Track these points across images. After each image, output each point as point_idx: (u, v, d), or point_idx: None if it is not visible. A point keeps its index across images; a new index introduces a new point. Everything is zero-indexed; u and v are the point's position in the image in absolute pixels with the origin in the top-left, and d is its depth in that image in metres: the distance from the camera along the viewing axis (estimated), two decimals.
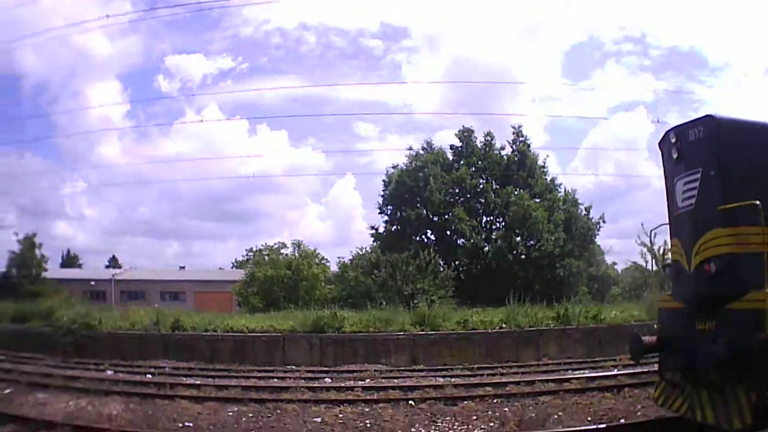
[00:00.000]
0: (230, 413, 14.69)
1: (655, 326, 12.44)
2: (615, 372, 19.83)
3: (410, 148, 49.18)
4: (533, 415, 13.66)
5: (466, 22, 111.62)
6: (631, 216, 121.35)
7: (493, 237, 46.35)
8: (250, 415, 14.47)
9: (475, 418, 13.72)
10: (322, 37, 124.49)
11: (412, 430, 12.81)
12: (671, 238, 11.97)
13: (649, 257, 45.14)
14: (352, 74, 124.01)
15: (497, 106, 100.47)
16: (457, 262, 43.25)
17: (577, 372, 20.59)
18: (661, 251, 43.90)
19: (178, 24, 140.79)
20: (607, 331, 27.29)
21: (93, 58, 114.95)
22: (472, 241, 44.42)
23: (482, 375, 20.62)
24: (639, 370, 19.60)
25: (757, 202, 9.58)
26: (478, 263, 45.76)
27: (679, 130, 11.13)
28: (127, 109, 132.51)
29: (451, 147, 49.56)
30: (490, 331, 26.39)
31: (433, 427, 13.02)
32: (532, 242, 45.95)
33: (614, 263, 54.15)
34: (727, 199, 10.08)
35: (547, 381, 18.30)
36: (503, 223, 46.78)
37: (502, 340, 25.90)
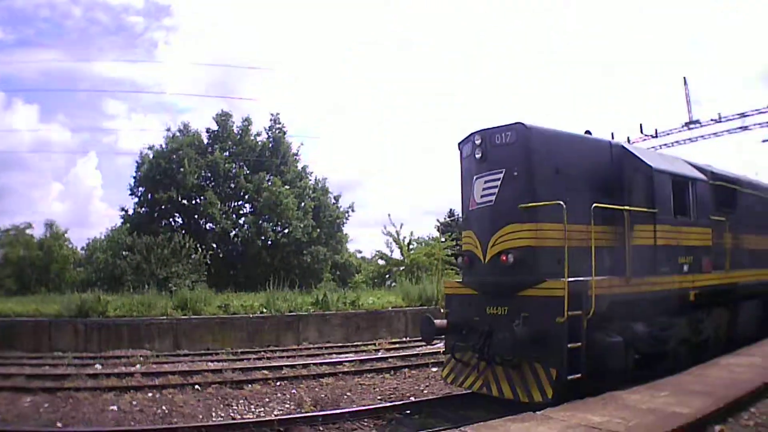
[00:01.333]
0: (26, 404, 14.18)
1: (442, 310, 13.46)
2: (385, 354, 20.97)
3: (168, 129, 48.17)
4: (324, 395, 14.30)
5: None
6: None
7: (242, 222, 46.38)
8: (47, 405, 13.96)
9: (268, 400, 14.14)
10: (88, 11, 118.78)
11: (212, 414, 12.98)
12: (465, 230, 13.05)
13: (394, 246, 47.15)
14: (110, 50, 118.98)
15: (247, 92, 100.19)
16: (204, 246, 42.85)
17: (342, 356, 21.37)
18: (406, 240, 46.07)
19: None
20: (365, 317, 28.39)
21: None
22: (221, 225, 44.20)
23: (249, 359, 20.93)
24: (404, 353, 20.91)
25: (562, 203, 10.85)
26: (226, 247, 45.65)
27: (486, 133, 12.19)
28: None
29: (208, 130, 49.09)
30: (251, 315, 26.55)
31: (231, 411, 13.31)
32: (280, 228, 46.28)
33: (358, 251, 55.56)
34: (529, 198, 11.33)
35: (321, 364, 18.92)
36: (253, 209, 46.77)
37: (263, 324, 26.13)
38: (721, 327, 16.17)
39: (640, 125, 49.66)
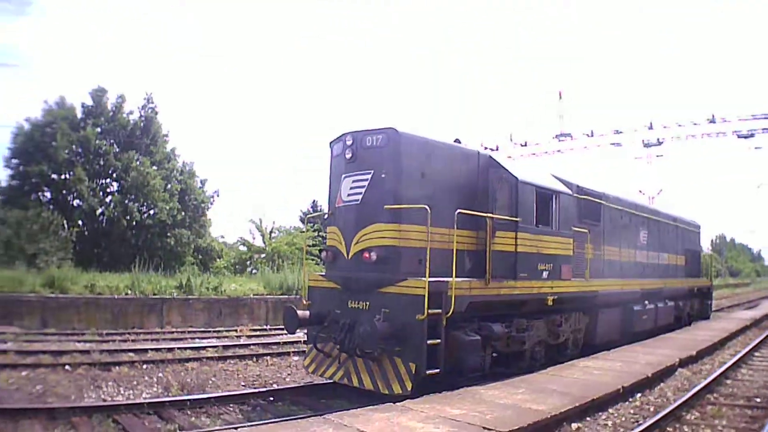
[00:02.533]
0: None
1: (304, 302, 13.83)
2: (247, 341, 21.24)
3: (46, 102, 46.35)
4: (190, 380, 14.43)
5: None
6: None
7: (108, 201, 45.27)
8: None
9: (136, 383, 14.20)
10: None
11: (84, 396, 12.96)
12: (330, 226, 13.52)
13: (258, 234, 47.36)
14: None
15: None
16: (71, 224, 41.70)
17: (205, 341, 21.51)
18: (269, 229, 46.44)
19: None
20: (227, 303, 28.59)
21: None
22: (88, 203, 43.05)
23: (114, 341, 20.77)
24: (266, 341, 21.18)
25: (427, 207, 11.37)
26: (92, 225, 44.51)
27: (357, 134, 12.64)
28: None
29: (83, 105, 46.83)
30: (116, 296, 26.25)
31: (101, 392, 13.31)
32: (146, 209, 45.51)
33: (221, 236, 55.15)
34: (395, 200, 11.84)
35: (185, 348, 19.03)
36: (120, 188, 45.69)
37: (127, 306, 25.92)
38: (580, 331, 17.05)
39: (510, 135, 51.24)
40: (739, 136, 44.47)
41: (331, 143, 13.71)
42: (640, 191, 55.52)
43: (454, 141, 13.92)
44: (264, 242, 47.00)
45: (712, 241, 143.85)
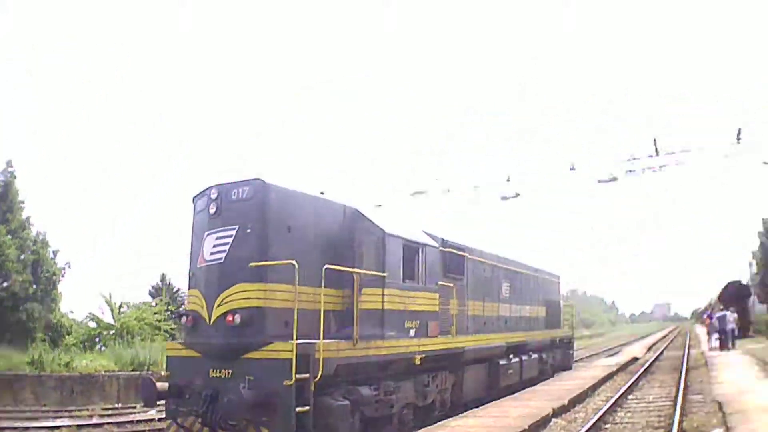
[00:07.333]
0: None
1: (163, 373, 13.07)
2: (101, 421, 20.13)
3: None
4: None
5: None
6: None
7: None
8: None
9: None
10: None
11: None
12: (190, 289, 12.74)
13: (106, 308, 45.90)
14: None
15: None
16: None
17: (58, 420, 20.34)
18: (118, 304, 45.25)
19: None
20: (79, 380, 27.22)
21: None
22: None
23: None
24: (119, 419, 20.20)
25: (294, 262, 10.84)
26: None
27: (223, 187, 12.05)
28: None
29: None
30: None
31: None
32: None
33: (71, 311, 53.19)
34: (261, 257, 11.29)
35: (40, 428, 18.30)
36: None
37: None
38: (447, 391, 16.71)
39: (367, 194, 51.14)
40: (600, 182, 45.23)
41: (194, 198, 13.00)
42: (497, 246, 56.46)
43: (320, 193, 13.48)
44: (113, 318, 45.55)
45: (563, 295, 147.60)
